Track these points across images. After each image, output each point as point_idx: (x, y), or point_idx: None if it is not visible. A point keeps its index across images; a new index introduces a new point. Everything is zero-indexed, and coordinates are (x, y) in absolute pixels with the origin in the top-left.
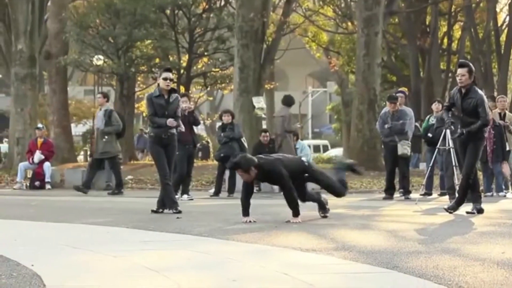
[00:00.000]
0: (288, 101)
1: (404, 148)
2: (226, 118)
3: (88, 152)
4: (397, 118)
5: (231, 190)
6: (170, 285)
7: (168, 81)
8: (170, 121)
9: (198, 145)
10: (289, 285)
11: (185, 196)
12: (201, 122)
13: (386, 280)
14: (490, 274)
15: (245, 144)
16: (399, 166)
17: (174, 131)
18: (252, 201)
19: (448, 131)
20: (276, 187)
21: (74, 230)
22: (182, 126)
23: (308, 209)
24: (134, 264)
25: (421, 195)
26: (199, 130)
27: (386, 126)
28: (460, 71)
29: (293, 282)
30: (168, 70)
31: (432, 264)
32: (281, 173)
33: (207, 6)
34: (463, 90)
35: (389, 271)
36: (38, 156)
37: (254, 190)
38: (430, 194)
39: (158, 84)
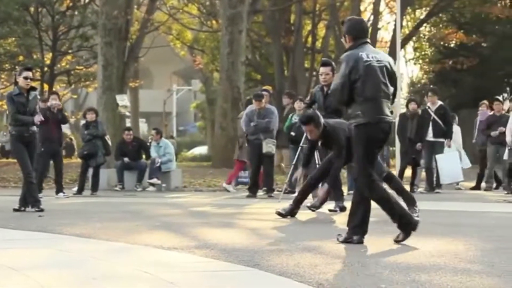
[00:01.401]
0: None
1: (268, 146)
2: (90, 116)
3: None
4: (263, 116)
5: (94, 188)
6: (30, 284)
7: (28, 80)
8: (37, 118)
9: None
10: (149, 283)
11: (60, 194)
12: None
13: (246, 278)
14: (350, 271)
15: (109, 142)
16: (264, 164)
17: (35, 128)
18: (114, 199)
19: None
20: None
21: None
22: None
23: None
24: None
25: (284, 193)
26: (64, 128)
27: (252, 124)
28: (323, 69)
29: (154, 280)
30: (29, 69)
31: (293, 262)
32: (341, 142)
33: (71, 4)
34: (325, 89)
35: (250, 269)
36: None
37: (118, 189)
38: (294, 192)
39: (17, 83)
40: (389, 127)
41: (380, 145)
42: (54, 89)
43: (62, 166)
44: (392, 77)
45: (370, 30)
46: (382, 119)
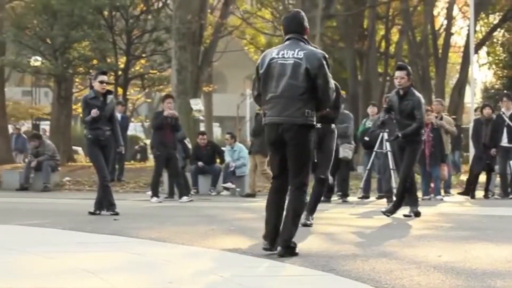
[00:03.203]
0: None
1: (345, 151)
2: None
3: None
4: (340, 121)
5: (170, 193)
6: (106, 287)
7: (104, 84)
8: (94, 112)
9: (136, 147)
10: (224, 287)
11: (184, 198)
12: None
13: (322, 283)
14: (426, 277)
15: (189, 145)
16: (340, 169)
17: (109, 132)
18: (189, 203)
19: (385, 134)
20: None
21: (10, 231)
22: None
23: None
24: (69, 265)
25: (359, 198)
26: (138, 132)
27: None
28: (398, 73)
29: (229, 284)
30: (104, 73)
31: (368, 267)
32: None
33: (144, 8)
34: (401, 92)
35: (325, 274)
36: None
37: (192, 192)
38: (368, 197)
39: (92, 87)
40: (284, 129)
41: (277, 147)
42: (127, 93)
43: (178, 170)
44: (298, 73)
45: (443, 35)
46: (274, 120)
